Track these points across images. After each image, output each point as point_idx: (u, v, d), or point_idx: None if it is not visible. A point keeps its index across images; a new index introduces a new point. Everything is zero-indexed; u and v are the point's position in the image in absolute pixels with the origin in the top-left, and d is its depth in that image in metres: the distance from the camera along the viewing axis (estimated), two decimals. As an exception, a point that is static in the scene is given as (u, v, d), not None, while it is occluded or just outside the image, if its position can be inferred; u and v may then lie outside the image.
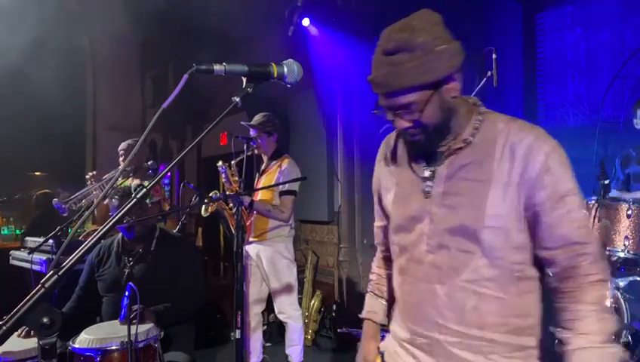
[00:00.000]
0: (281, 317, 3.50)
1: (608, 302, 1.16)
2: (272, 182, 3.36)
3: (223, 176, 3.42)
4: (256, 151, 3.48)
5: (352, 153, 4.89)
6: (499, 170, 1.18)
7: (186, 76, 1.03)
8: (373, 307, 1.56)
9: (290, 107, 5.46)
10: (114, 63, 8.02)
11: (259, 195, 3.42)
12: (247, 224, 3.38)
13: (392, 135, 1.43)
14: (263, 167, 3.55)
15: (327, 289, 4.92)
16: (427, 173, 1.27)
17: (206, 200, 3.37)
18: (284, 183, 3.25)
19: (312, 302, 4.66)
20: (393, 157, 1.40)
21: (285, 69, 1.18)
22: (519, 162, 1.17)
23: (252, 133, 3.43)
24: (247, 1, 5.29)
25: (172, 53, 7.79)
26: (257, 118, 3.46)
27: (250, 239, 3.43)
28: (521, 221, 1.18)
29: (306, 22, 4.54)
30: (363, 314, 1.57)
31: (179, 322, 2.56)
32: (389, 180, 1.40)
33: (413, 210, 1.29)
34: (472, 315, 1.20)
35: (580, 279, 1.16)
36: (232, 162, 3.42)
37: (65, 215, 3.73)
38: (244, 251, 2.89)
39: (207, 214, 3.50)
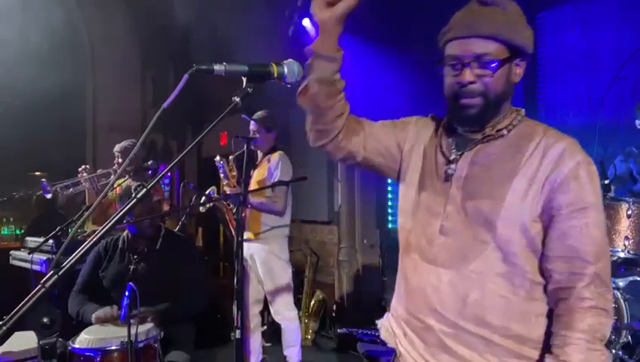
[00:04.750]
0: (276, 318, 3.48)
1: (603, 334, 1.09)
2: (263, 176, 3.36)
3: (221, 171, 3.43)
4: (253, 147, 3.48)
5: (352, 153, 4.88)
6: (527, 165, 1.16)
7: (186, 76, 1.03)
8: None
9: (290, 107, 5.45)
10: (114, 63, 8.02)
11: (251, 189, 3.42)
12: (243, 216, 3.36)
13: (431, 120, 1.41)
14: (257, 162, 3.55)
15: (327, 289, 4.92)
16: (453, 156, 1.25)
17: (203, 200, 3.39)
18: (283, 183, 3.24)
19: (312, 301, 4.66)
20: (432, 134, 1.35)
21: (285, 69, 1.18)
22: (549, 164, 1.15)
23: (252, 126, 3.43)
24: (248, 2, 5.30)
25: (172, 53, 7.78)
26: (258, 113, 3.46)
27: (245, 236, 3.39)
28: (536, 221, 1.15)
29: (306, 22, 4.54)
30: None
31: (182, 321, 2.57)
32: (418, 151, 1.34)
33: (433, 189, 1.27)
34: (472, 309, 1.15)
35: (572, 302, 1.10)
36: (230, 157, 3.43)
37: (48, 196, 3.79)
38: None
39: (205, 209, 3.54)
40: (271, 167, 3.36)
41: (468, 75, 1.17)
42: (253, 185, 3.39)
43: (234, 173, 3.42)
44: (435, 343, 1.19)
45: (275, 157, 3.39)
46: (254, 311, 3.51)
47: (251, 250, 3.43)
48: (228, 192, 3.28)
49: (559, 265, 1.13)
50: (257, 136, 3.39)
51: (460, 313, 1.16)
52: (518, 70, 1.22)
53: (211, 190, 3.58)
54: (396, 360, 1.32)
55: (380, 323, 1.41)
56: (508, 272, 1.15)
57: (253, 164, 3.54)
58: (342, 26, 1.21)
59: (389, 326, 1.35)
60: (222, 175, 3.44)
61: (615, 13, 3.72)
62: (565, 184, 1.12)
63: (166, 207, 4.18)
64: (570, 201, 1.12)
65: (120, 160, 3.76)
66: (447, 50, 1.22)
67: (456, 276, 1.17)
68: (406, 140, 1.37)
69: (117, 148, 3.79)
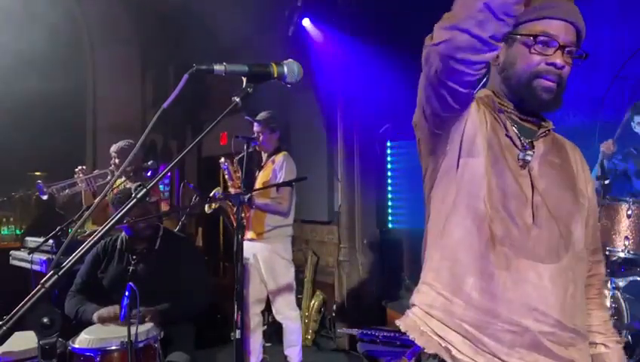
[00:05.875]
0: (278, 317, 3.49)
1: None
2: (268, 178, 3.37)
3: (226, 172, 3.45)
4: (257, 148, 3.49)
5: (352, 153, 4.88)
6: (576, 164, 1.26)
7: (186, 76, 1.03)
8: None
9: (290, 107, 5.46)
10: (114, 63, 8.02)
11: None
12: (247, 216, 3.36)
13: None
14: (262, 163, 3.56)
15: (327, 289, 4.92)
16: (525, 143, 1.17)
17: (208, 200, 3.40)
18: (285, 183, 3.24)
19: (312, 302, 4.66)
20: (491, 117, 1.20)
21: (285, 69, 1.18)
22: (582, 165, 1.27)
23: (255, 127, 3.43)
24: (248, 1, 5.30)
25: (172, 53, 7.78)
26: (262, 114, 3.47)
27: (248, 236, 3.40)
28: None
29: (306, 22, 4.54)
30: None
31: (182, 321, 2.57)
32: (481, 128, 1.16)
33: (512, 174, 1.14)
34: (569, 303, 1.12)
35: (601, 286, 1.30)
36: (235, 158, 3.45)
37: (44, 198, 3.80)
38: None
39: (210, 211, 3.55)
40: (275, 169, 3.37)
41: (561, 57, 1.13)
42: (258, 187, 3.40)
43: (238, 174, 3.44)
44: (526, 344, 1.08)
45: (280, 158, 3.40)
46: (255, 310, 3.51)
47: (254, 249, 3.43)
48: (232, 193, 3.30)
49: (594, 256, 1.28)
50: (261, 137, 3.40)
51: (562, 310, 1.10)
52: None
53: (216, 191, 3.60)
54: None
55: (403, 324, 1.20)
56: (583, 263, 1.21)
57: (256, 165, 3.55)
58: None
59: (427, 330, 1.15)
60: (227, 176, 3.46)
61: (615, 13, 3.72)
62: (593, 188, 1.28)
63: (166, 207, 4.18)
64: (596, 202, 1.29)
65: (117, 160, 3.74)
66: (540, 25, 1.13)
67: (555, 271, 1.11)
68: (469, 111, 1.17)
69: (113, 148, 3.77)
